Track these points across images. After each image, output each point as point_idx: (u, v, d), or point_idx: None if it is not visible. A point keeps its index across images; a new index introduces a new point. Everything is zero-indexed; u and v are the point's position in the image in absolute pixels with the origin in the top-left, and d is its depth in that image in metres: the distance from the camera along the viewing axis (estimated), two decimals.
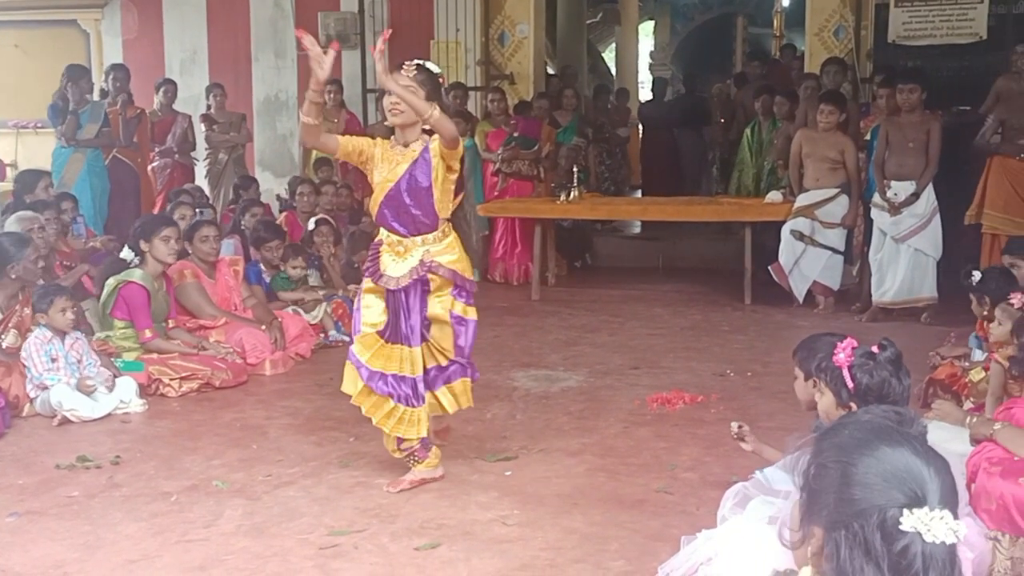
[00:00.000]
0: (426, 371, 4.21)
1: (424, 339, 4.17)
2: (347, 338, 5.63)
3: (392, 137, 4.15)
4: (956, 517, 1.50)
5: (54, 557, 3.59)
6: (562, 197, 8.72)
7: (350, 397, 4.23)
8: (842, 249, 7.84)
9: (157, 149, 9.75)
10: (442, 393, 4.29)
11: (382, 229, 4.19)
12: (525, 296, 8.70)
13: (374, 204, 4.17)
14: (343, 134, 10.05)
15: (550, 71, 11.50)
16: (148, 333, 5.89)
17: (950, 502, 1.53)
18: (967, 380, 4.66)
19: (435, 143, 4.06)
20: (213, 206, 8.80)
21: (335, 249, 7.74)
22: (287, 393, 5.81)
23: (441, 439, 4.47)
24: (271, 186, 10.93)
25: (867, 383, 2.76)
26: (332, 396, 5.21)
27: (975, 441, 3.52)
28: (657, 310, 8.07)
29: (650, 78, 19.26)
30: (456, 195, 4.20)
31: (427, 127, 4.05)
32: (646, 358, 6.48)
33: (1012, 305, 4.21)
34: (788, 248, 7.82)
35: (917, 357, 4.86)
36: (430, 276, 4.10)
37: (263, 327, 6.37)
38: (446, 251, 4.15)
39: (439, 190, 4.08)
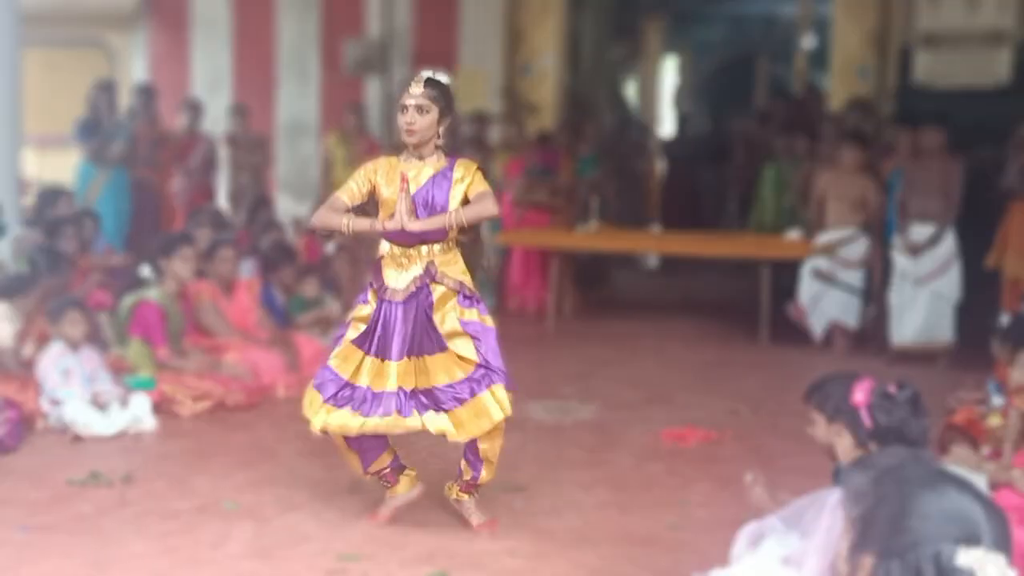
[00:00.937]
0: (436, 389, 3.90)
1: (422, 352, 3.92)
2: None
3: (404, 153, 4.00)
4: (1010, 564, 1.50)
5: (64, 573, 3.59)
6: (580, 228, 8.72)
7: None
8: (861, 289, 7.82)
9: (180, 169, 9.80)
10: (464, 410, 3.87)
11: (384, 242, 4.02)
12: (540, 327, 8.68)
13: (383, 217, 3.99)
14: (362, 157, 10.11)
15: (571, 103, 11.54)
16: (163, 351, 5.90)
17: (1004, 548, 1.52)
18: (985, 426, 4.61)
19: (463, 170, 3.95)
20: (233, 227, 8.83)
21: (351, 272, 7.75)
22: (299, 416, 5.73)
23: (490, 529, 4.13)
24: (291, 208, 10.97)
25: (886, 423, 2.73)
26: None
27: (993, 487, 3.49)
28: (672, 344, 8.05)
29: (672, 114, 19.32)
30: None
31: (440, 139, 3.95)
32: (660, 393, 6.45)
33: None
34: (808, 287, 7.79)
35: (934, 400, 4.78)
36: (433, 286, 3.91)
37: (277, 349, 6.37)
38: (451, 263, 3.98)
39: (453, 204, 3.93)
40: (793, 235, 8.28)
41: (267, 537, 3.95)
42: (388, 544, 3.90)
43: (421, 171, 3.96)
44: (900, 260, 7.39)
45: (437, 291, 3.93)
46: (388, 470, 4.08)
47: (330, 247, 7.85)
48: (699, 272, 10.32)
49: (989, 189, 7.49)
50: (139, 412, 5.41)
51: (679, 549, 3.90)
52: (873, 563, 1.61)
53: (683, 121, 14.51)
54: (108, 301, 6.67)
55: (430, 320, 3.91)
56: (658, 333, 8.55)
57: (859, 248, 7.72)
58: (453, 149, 4.09)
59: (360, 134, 10.20)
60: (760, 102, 15.68)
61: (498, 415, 3.87)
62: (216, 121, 10.65)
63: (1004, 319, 4.85)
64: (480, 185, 3.93)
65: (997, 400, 4.90)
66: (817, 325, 7.81)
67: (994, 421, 4.52)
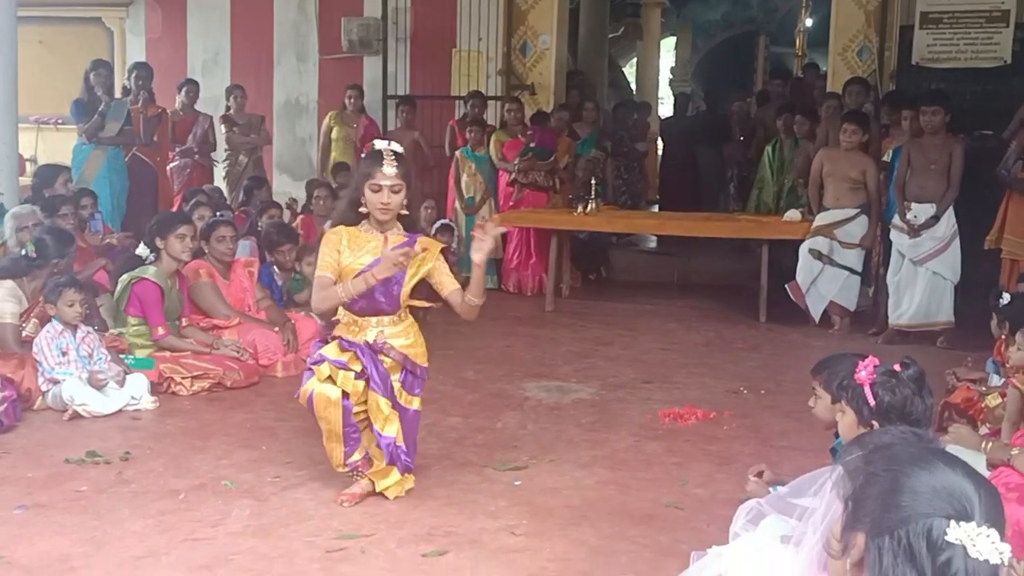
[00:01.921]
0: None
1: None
2: None
3: (364, 223, 4.12)
4: (1003, 539, 1.49)
5: (60, 551, 3.58)
6: (579, 209, 8.71)
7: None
8: (859, 270, 7.80)
9: (177, 149, 9.78)
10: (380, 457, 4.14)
11: (340, 309, 4.14)
12: (539, 307, 8.68)
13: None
14: (362, 139, 10.15)
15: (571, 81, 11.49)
16: (161, 330, 5.89)
17: (997, 524, 1.51)
18: (983, 405, 4.61)
19: (428, 254, 4.08)
20: (231, 207, 8.81)
21: None
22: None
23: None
24: (288, 189, 10.94)
25: (889, 401, 2.73)
26: None
27: (992, 466, 3.48)
28: (671, 325, 8.04)
29: (670, 94, 19.27)
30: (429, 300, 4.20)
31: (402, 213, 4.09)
32: (659, 372, 6.45)
33: None
34: (806, 267, 7.78)
35: (933, 381, 4.77)
36: (381, 357, 4.05)
37: (276, 329, 6.37)
38: (400, 335, 4.11)
39: (407, 287, 4.08)
40: (793, 215, 8.26)
41: (266, 515, 3.95)
42: (387, 522, 3.90)
43: (380, 244, 4.08)
44: (899, 240, 7.37)
45: (385, 361, 4.08)
46: (360, 462, 4.14)
47: (327, 225, 7.81)
48: (698, 252, 10.30)
49: (989, 169, 7.47)
50: (137, 391, 5.41)
51: (678, 527, 3.90)
52: (864, 540, 1.60)
53: (682, 100, 14.46)
54: (105, 280, 6.67)
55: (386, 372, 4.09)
56: (657, 313, 8.54)
57: (858, 228, 7.70)
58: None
59: (358, 114, 10.18)
60: (760, 83, 15.65)
61: (390, 492, 4.11)
62: (214, 101, 10.62)
63: (1003, 299, 4.83)
64: (438, 265, 4.10)
65: (996, 380, 4.90)
66: (814, 305, 7.80)
67: (993, 401, 4.52)
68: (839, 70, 9.68)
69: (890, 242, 7.49)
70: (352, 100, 10.14)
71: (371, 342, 4.05)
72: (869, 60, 9.57)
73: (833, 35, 9.89)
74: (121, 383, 5.39)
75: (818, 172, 7.85)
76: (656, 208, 12.94)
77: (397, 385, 4.11)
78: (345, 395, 4.03)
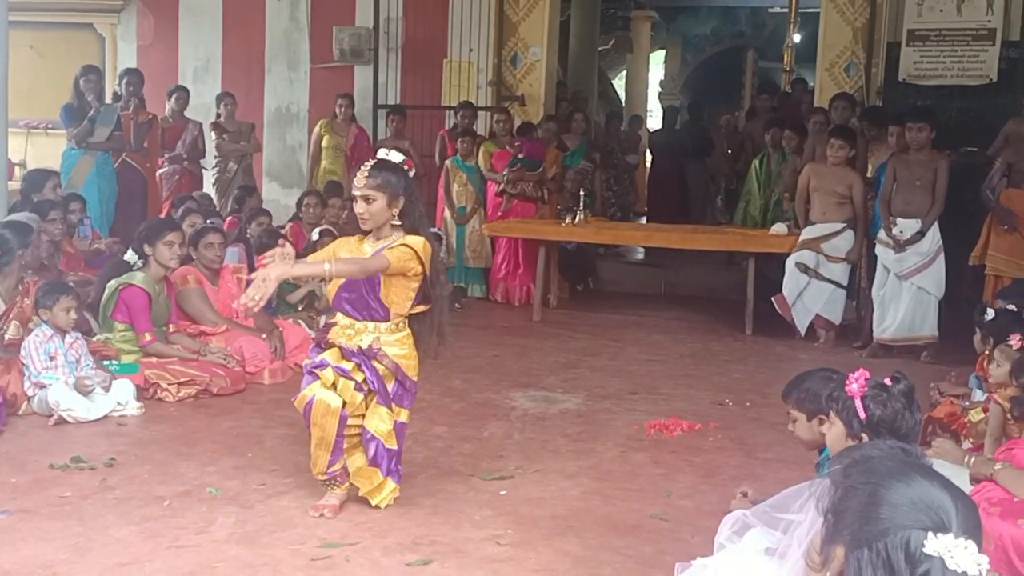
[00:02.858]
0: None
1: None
2: None
3: (369, 236, 4.13)
4: (980, 551, 1.51)
5: (44, 557, 3.57)
6: (567, 220, 8.73)
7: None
8: (845, 283, 7.85)
9: (167, 155, 9.76)
10: (362, 458, 4.13)
11: (338, 313, 4.15)
12: (526, 317, 8.69)
13: (332, 289, 4.15)
14: (352, 148, 10.14)
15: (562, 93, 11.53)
16: (148, 336, 5.88)
17: (975, 536, 1.53)
18: (966, 420, 4.64)
19: (391, 252, 3.98)
20: (220, 214, 8.80)
21: None
22: (284, 403, 5.75)
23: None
24: (278, 196, 10.94)
25: (880, 415, 2.72)
26: None
27: (975, 481, 3.51)
28: (657, 336, 8.07)
29: (659, 107, 19.34)
30: (424, 302, 4.14)
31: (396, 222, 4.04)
32: (645, 384, 6.47)
33: (1011, 346, 4.21)
34: (792, 280, 7.82)
35: (917, 395, 4.83)
36: (374, 363, 4.04)
37: (263, 336, 6.37)
38: (396, 344, 4.10)
39: (384, 286, 4.04)
40: (780, 228, 8.30)
41: (251, 523, 3.95)
42: (372, 531, 3.90)
43: (375, 248, 4.07)
44: (884, 254, 7.42)
45: (379, 368, 4.07)
46: (339, 472, 4.13)
47: (315, 233, 7.83)
48: (685, 264, 10.34)
49: (974, 185, 7.53)
50: (123, 397, 5.40)
51: (662, 538, 3.92)
52: (844, 553, 1.62)
53: (671, 113, 14.51)
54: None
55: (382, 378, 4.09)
56: (643, 324, 8.57)
57: (844, 242, 7.75)
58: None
59: (348, 123, 10.20)
60: (748, 97, 15.71)
61: (372, 497, 4.11)
62: (204, 108, 10.62)
63: (988, 314, 4.87)
64: (398, 252, 3.96)
65: (979, 395, 4.94)
66: (800, 318, 7.83)
67: (976, 416, 4.55)
68: (826, 86, 9.74)
69: (875, 256, 7.54)
70: (343, 109, 10.16)
71: (364, 348, 4.05)
72: (856, 76, 9.64)
73: (821, 51, 9.95)
74: (107, 388, 5.38)
75: (805, 187, 7.90)
76: (644, 220, 12.99)
77: (392, 403, 4.12)
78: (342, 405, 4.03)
